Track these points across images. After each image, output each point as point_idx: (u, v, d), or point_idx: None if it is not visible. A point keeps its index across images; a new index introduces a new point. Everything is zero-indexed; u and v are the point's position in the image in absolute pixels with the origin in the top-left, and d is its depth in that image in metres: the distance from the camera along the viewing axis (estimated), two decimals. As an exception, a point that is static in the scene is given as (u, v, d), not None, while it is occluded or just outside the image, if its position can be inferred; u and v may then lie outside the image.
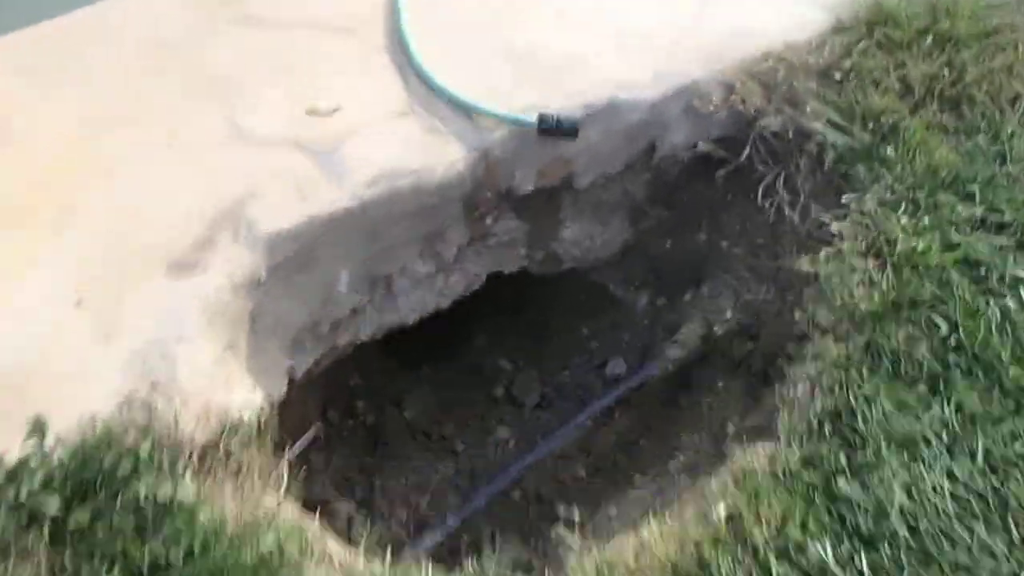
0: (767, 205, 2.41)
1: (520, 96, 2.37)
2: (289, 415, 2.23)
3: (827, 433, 1.75)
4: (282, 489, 1.84)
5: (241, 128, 2.33)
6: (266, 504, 1.75)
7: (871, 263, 2.00)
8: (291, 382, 2.17)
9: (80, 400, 1.70)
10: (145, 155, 2.22)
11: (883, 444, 1.68)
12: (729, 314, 2.55)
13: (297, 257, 2.10)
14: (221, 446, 1.74)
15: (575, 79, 2.42)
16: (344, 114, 2.40)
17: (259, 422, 1.86)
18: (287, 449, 2.05)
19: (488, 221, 2.50)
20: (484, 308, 3.12)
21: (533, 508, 2.63)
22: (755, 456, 1.75)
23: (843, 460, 1.68)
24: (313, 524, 1.87)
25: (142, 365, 1.79)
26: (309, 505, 2.22)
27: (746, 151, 2.40)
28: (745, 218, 2.60)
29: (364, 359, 3.07)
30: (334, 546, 1.82)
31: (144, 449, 1.58)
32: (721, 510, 1.64)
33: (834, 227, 2.12)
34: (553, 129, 2.35)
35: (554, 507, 2.52)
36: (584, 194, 2.62)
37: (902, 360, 1.82)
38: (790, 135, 2.32)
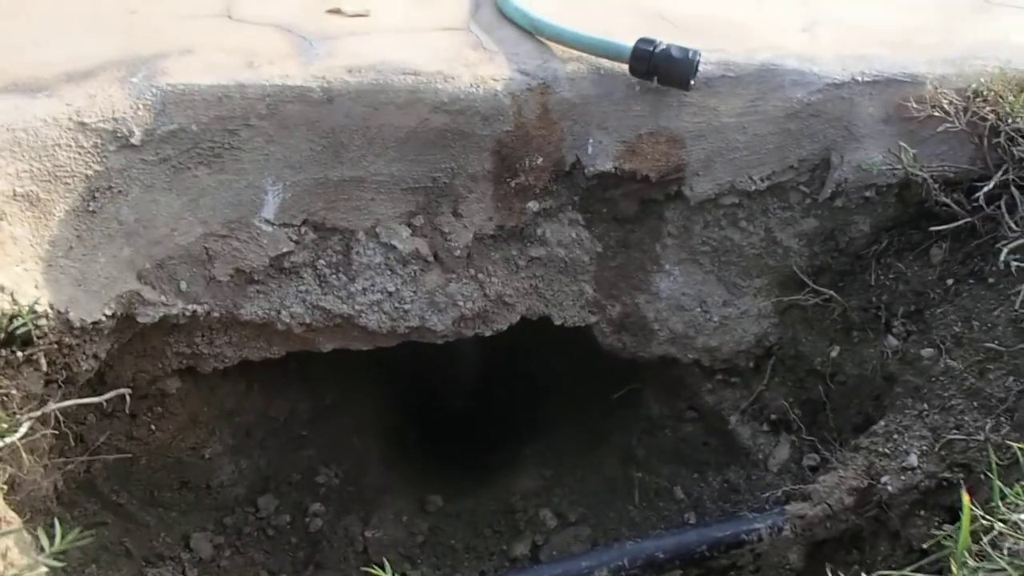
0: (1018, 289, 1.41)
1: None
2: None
3: None
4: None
5: (233, 9, 1.74)
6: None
7: None
8: (130, 323, 1.52)
9: None
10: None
11: None
12: (914, 461, 1.40)
13: (203, 135, 1.47)
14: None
15: (717, 39, 1.65)
16: (371, 20, 1.69)
17: (30, 332, 1.30)
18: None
19: (532, 206, 1.59)
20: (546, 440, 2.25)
21: None
22: None
23: None
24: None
25: None
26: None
27: (987, 188, 1.49)
28: (972, 311, 1.51)
29: (340, 434, 2.14)
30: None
31: None
32: None
33: None
34: (652, 63, 1.47)
35: None
36: (700, 217, 1.64)
37: None
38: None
